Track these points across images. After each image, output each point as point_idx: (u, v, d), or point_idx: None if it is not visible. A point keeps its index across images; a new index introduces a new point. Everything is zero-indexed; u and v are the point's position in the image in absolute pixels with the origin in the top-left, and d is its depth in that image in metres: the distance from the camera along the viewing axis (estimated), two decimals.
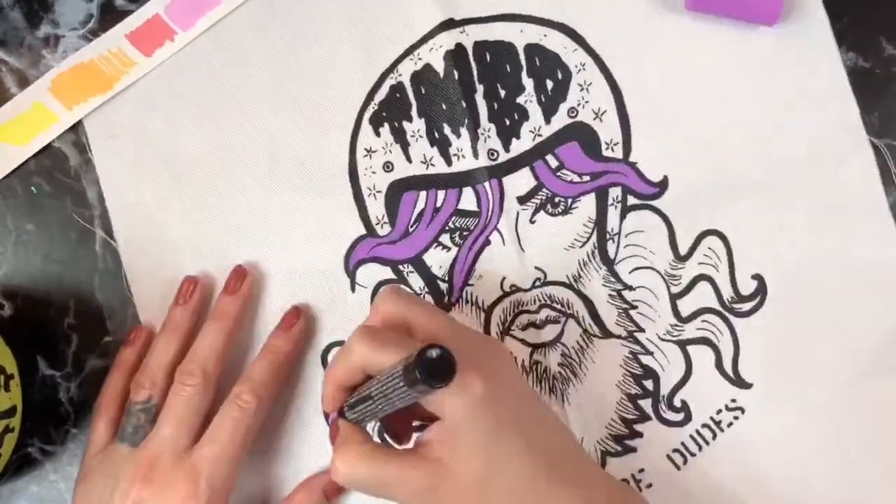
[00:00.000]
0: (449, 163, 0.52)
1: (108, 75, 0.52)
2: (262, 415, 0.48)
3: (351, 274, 0.52)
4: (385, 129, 0.52)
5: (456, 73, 0.52)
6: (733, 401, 0.51)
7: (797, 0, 0.52)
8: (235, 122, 0.53)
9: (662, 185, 0.52)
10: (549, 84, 0.52)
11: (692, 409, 0.51)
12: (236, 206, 0.52)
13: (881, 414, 0.51)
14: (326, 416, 0.51)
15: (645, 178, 0.52)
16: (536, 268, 0.52)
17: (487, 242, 0.52)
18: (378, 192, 0.52)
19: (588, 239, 0.52)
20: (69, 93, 0.52)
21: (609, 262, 0.52)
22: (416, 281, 0.52)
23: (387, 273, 0.52)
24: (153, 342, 0.50)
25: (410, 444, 0.47)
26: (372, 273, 0.52)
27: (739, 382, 0.51)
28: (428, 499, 0.41)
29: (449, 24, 0.52)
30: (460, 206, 0.52)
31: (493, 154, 0.52)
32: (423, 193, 0.52)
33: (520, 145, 0.52)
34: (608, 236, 0.52)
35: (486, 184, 0.52)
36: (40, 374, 0.52)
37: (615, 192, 0.52)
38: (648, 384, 0.52)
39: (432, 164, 0.52)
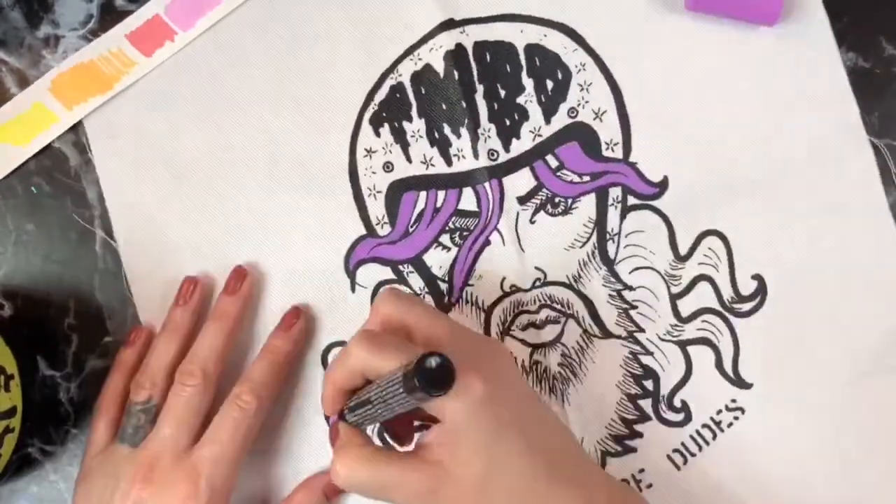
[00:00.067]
0: (449, 163, 0.52)
1: (108, 75, 0.52)
2: (262, 415, 0.48)
3: (351, 274, 0.52)
4: (385, 130, 0.52)
5: (456, 74, 0.52)
6: (733, 401, 0.51)
7: (797, 0, 0.52)
8: (235, 122, 0.53)
9: (662, 186, 0.52)
10: (550, 84, 0.52)
11: (692, 410, 0.51)
12: (236, 206, 0.52)
13: (881, 414, 0.51)
14: (327, 417, 0.51)
15: (645, 178, 0.52)
16: (536, 268, 0.52)
17: (487, 242, 0.52)
18: (378, 192, 0.52)
19: (588, 239, 0.52)
20: (69, 93, 0.52)
21: (609, 263, 0.52)
22: (416, 281, 0.52)
23: (387, 273, 0.52)
24: (153, 342, 0.50)
25: (412, 446, 0.47)
26: (372, 273, 0.52)
27: (739, 382, 0.51)
28: (428, 501, 0.41)
29: (449, 25, 0.52)
30: (460, 207, 0.52)
31: (493, 154, 0.52)
32: (423, 194, 0.52)
33: (520, 145, 0.52)
34: (608, 236, 0.52)
35: (486, 184, 0.52)
36: (40, 374, 0.52)
37: (615, 193, 0.52)
38: (648, 384, 0.52)
39: (432, 165, 0.52)
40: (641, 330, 0.52)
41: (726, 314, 0.52)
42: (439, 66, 0.52)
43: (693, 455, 0.51)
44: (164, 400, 0.48)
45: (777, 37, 0.52)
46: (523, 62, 0.52)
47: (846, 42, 0.52)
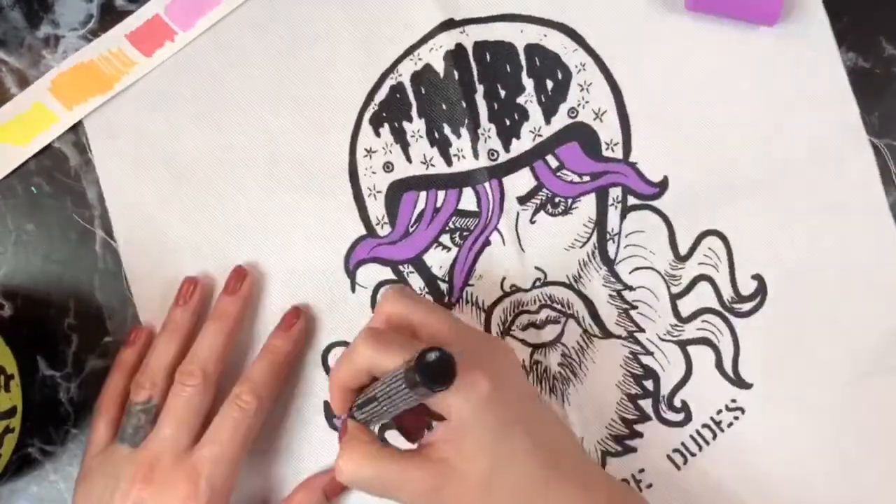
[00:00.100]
0: (449, 163, 0.52)
1: (108, 75, 0.52)
2: (262, 415, 0.48)
3: (351, 274, 0.52)
4: (385, 130, 0.52)
5: (456, 74, 0.52)
6: (733, 401, 0.51)
7: (797, 0, 0.52)
8: (235, 122, 0.53)
9: (662, 186, 0.52)
10: (550, 84, 0.52)
11: (692, 410, 0.51)
12: (236, 206, 0.52)
13: (881, 414, 0.51)
14: (327, 416, 0.52)
15: (645, 178, 0.52)
16: (537, 268, 0.52)
17: (487, 243, 0.52)
18: (378, 192, 0.52)
19: (588, 239, 0.52)
20: (69, 93, 0.52)
21: (609, 263, 0.52)
22: (416, 281, 0.52)
23: (387, 273, 0.52)
24: (153, 343, 0.50)
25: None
26: (372, 273, 0.52)
27: (739, 382, 0.51)
28: (432, 499, 0.41)
29: (449, 25, 0.52)
30: (460, 207, 0.52)
31: (493, 154, 0.52)
32: (423, 194, 0.52)
33: (520, 145, 0.52)
34: (608, 236, 0.52)
35: (487, 184, 0.52)
36: (40, 374, 0.52)
37: (615, 193, 0.52)
38: (648, 384, 0.52)
39: (432, 165, 0.52)
40: (641, 330, 0.52)
41: (726, 314, 0.52)
42: (439, 66, 0.52)
43: (693, 455, 0.51)
44: (165, 400, 0.48)
45: (777, 37, 0.52)
46: (523, 62, 0.52)
47: (846, 42, 0.52)
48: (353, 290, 0.52)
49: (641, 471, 0.51)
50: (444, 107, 0.52)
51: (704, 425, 0.51)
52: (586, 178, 0.52)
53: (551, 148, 0.52)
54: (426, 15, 0.52)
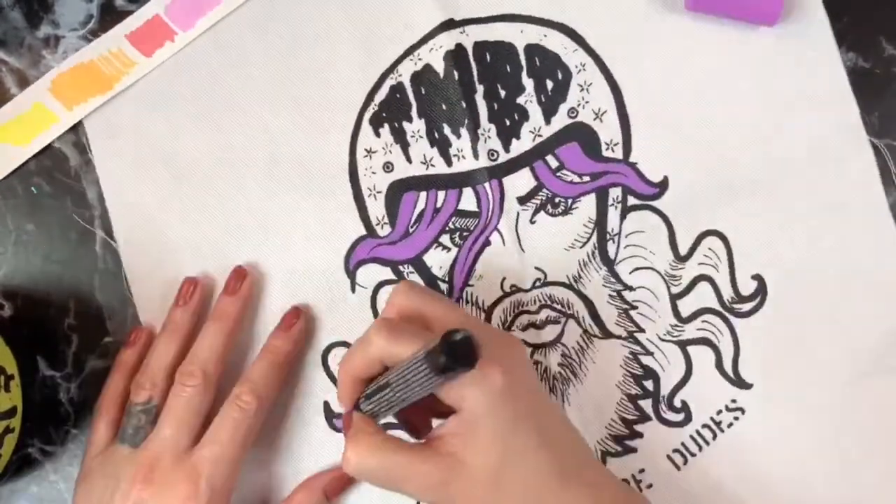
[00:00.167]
0: (449, 163, 0.52)
1: (108, 75, 0.52)
2: (262, 415, 0.48)
3: (351, 274, 0.52)
4: (385, 130, 0.52)
5: (456, 74, 0.52)
6: (733, 401, 0.51)
7: (797, 0, 0.52)
8: (235, 122, 0.53)
9: (662, 186, 0.52)
10: (550, 84, 0.52)
11: (692, 410, 0.51)
12: (236, 207, 0.52)
13: (881, 414, 0.51)
14: (327, 416, 0.52)
15: (645, 178, 0.52)
16: (536, 268, 0.52)
17: (487, 243, 0.52)
18: (378, 192, 0.52)
19: (588, 239, 0.52)
20: (69, 93, 0.52)
21: (609, 263, 0.52)
22: (416, 281, 0.52)
23: (387, 273, 0.52)
24: (153, 343, 0.50)
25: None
26: (372, 273, 0.52)
27: (739, 383, 0.51)
28: (439, 493, 0.41)
29: (449, 25, 0.52)
30: (460, 207, 0.52)
31: (493, 154, 0.52)
32: (423, 194, 0.52)
33: (520, 146, 0.52)
34: (608, 237, 0.52)
35: (487, 184, 0.52)
36: (40, 374, 0.52)
37: (615, 193, 0.52)
38: (648, 384, 0.52)
39: (432, 165, 0.52)
40: (641, 330, 0.52)
41: (726, 314, 0.52)
42: (439, 67, 0.52)
43: (693, 455, 0.51)
44: (165, 400, 0.48)
45: (777, 37, 0.52)
46: (523, 62, 0.52)
47: (846, 42, 0.52)
48: (353, 290, 0.52)
49: (641, 471, 0.51)
50: (444, 107, 0.52)
51: (704, 425, 0.51)
52: (586, 179, 0.52)
53: (551, 148, 0.52)
54: (426, 15, 0.52)
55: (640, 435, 0.51)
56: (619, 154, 0.52)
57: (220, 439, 0.47)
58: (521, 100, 0.52)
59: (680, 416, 0.51)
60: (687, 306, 0.52)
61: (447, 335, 0.37)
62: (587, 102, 0.52)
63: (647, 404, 0.51)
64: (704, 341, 0.52)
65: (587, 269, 0.52)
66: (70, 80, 0.52)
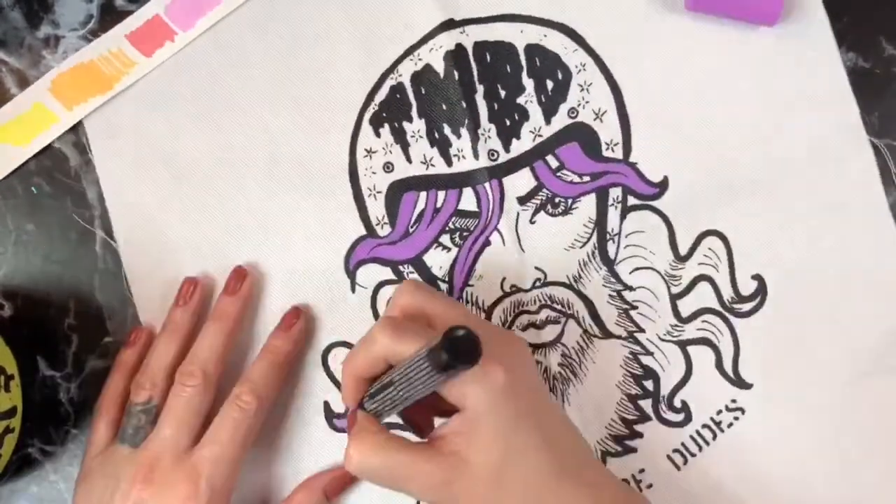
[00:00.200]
0: (449, 163, 0.52)
1: (108, 76, 0.52)
2: (262, 415, 0.48)
3: (351, 274, 0.52)
4: (385, 130, 0.52)
5: (456, 74, 0.52)
6: (733, 401, 0.51)
7: (797, 0, 0.52)
8: (235, 122, 0.53)
9: (662, 186, 0.52)
10: (550, 84, 0.52)
11: (692, 410, 0.51)
12: (236, 207, 0.52)
13: (881, 414, 0.51)
14: (327, 416, 0.52)
15: (645, 178, 0.52)
16: (536, 268, 0.52)
17: (487, 243, 0.52)
18: (378, 192, 0.52)
19: (588, 239, 0.52)
20: (69, 93, 0.52)
21: (609, 263, 0.52)
22: (419, 281, 0.52)
23: (387, 273, 0.52)
24: (153, 343, 0.50)
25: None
26: (372, 273, 0.52)
27: (739, 383, 0.51)
28: (442, 493, 0.41)
29: (449, 25, 0.52)
30: (460, 207, 0.52)
31: (493, 154, 0.52)
32: (423, 194, 0.52)
33: (520, 146, 0.52)
34: (608, 237, 0.52)
35: (487, 184, 0.52)
36: (40, 374, 0.52)
37: (615, 193, 0.52)
38: (648, 384, 0.52)
39: (432, 165, 0.52)
40: (641, 330, 0.52)
41: (726, 314, 0.52)
42: (439, 67, 0.52)
43: (693, 455, 0.51)
44: (165, 400, 0.48)
45: (777, 37, 0.52)
46: (523, 62, 0.52)
47: (846, 42, 0.52)
48: (353, 290, 0.52)
49: (641, 471, 0.51)
50: (444, 107, 0.52)
51: (704, 425, 0.51)
52: (586, 179, 0.52)
53: (551, 148, 0.52)
54: (426, 15, 0.52)
55: (640, 435, 0.51)
56: (619, 154, 0.52)
57: (220, 439, 0.47)
58: (521, 100, 0.52)
59: (680, 416, 0.51)
60: (687, 306, 0.52)
61: (449, 332, 0.37)
62: (587, 102, 0.52)
63: (647, 404, 0.51)
64: (704, 341, 0.52)
65: (587, 269, 0.52)
66: (70, 80, 0.52)
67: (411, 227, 0.52)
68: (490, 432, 0.41)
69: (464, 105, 0.52)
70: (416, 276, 0.52)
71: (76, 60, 0.52)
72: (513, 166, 0.52)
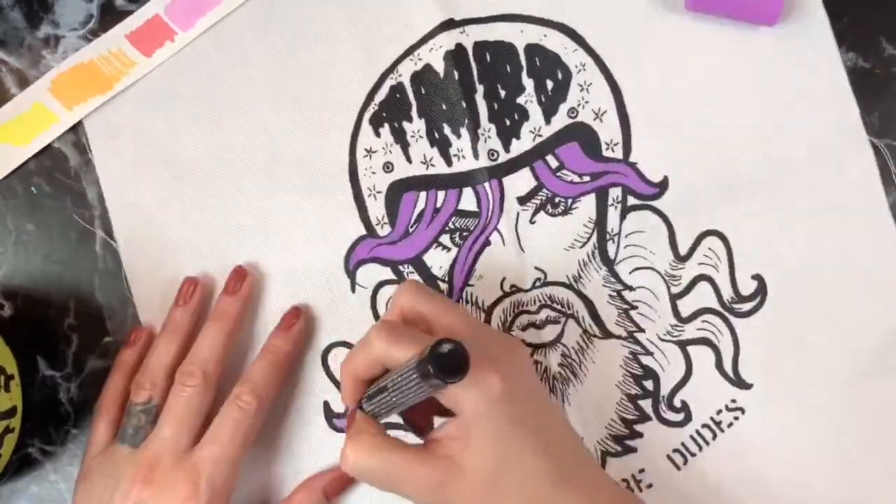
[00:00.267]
0: (449, 163, 0.52)
1: (108, 75, 0.52)
2: (262, 415, 0.48)
3: (351, 274, 0.52)
4: (385, 130, 0.52)
5: (456, 74, 0.52)
6: (733, 401, 0.51)
7: (797, 0, 0.52)
8: (235, 122, 0.53)
9: (662, 186, 0.52)
10: (550, 84, 0.52)
11: (692, 410, 0.51)
12: (236, 207, 0.52)
13: (881, 414, 0.51)
14: (327, 416, 0.52)
15: (645, 178, 0.52)
16: (536, 268, 0.52)
17: (487, 243, 0.52)
18: (378, 192, 0.52)
19: (588, 239, 0.52)
20: (69, 93, 0.52)
21: (609, 263, 0.52)
22: (420, 282, 0.52)
23: (387, 273, 0.52)
24: (153, 343, 0.50)
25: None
26: (372, 273, 0.52)
27: (739, 383, 0.51)
28: (435, 496, 0.41)
29: (449, 25, 0.52)
30: (460, 207, 0.52)
31: (493, 154, 0.52)
32: (423, 194, 0.52)
33: (520, 145, 0.52)
34: (608, 236, 0.52)
35: (487, 184, 0.52)
36: (40, 374, 0.52)
37: (615, 193, 0.52)
38: (648, 384, 0.52)
39: (432, 165, 0.52)
40: (641, 330, 0.52)
41: (726, 314, 0.52)
42: (439, 67, 0.52)
43: (693, 455, 0.51)
44: (165, 400, 0.48)
45: (777, 37, 0.52)
46: (523, 62, 0.52)
47: (846, 42, 0.52)
48: (353, 290, 0.52)
49: (641, 471, 0.51)
50: (444, 107, 0.52)
51: (704, 425, 0.51)
52: (586, 178, 0.52)
53: (551, 148, 0.52)
54: (426, 15, 0.52)
55: (640, 435, 0.51)
56: (619, 154, 0.52)
57: (220, 439, 0.47)
58: (521, 100, 0.52)
59: (680, 416, 0.51)
60: (687, 306, 0.52)
61: (435, 346, 0.37)
62: (587, 102, 0.52)
63: (646, 404, 0.51)
64: (704, 341, 0.52)
65: (587, 269, 0.52)
66: (70, 80, 0.52)
67: (411, 226, 0.52)
68: (485, 437, 0.41)
69: (464, 105, 0.52)
70: (415, 276, 0.52)
71: (76, 60, 0.52)
72: (513, 166, 0.52)
